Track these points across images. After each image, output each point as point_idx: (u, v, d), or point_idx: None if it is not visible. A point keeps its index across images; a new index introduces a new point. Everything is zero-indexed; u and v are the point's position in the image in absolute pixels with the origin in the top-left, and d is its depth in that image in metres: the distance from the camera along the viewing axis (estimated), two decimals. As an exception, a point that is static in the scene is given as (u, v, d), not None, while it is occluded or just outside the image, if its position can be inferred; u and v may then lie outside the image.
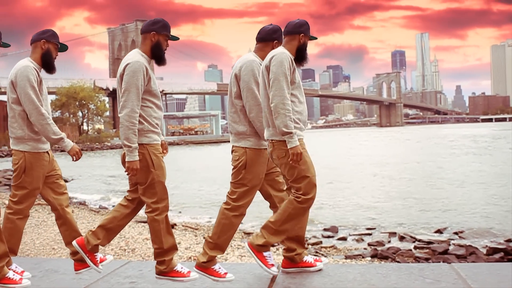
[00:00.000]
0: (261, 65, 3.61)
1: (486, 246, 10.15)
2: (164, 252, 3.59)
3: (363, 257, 9.32)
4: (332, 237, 11.75)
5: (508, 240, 10.97)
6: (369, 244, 10.62)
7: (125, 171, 3.48)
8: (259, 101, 3.56)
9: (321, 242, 10.91)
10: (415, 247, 10.32)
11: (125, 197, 3.76)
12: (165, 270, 3.60)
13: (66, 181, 24.76)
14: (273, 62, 3.45)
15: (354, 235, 11.76)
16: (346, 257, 9.26)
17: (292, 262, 3.78)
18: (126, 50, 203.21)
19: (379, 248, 9.87)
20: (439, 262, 9.04)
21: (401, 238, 11.27)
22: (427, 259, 9.29)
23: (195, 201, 18.34)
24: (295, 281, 3.64)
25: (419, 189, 19.98)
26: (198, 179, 25.91)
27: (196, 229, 11.96)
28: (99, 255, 3.72)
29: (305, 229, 3.78)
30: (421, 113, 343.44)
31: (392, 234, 11.71)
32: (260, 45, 3.72)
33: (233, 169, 3.66)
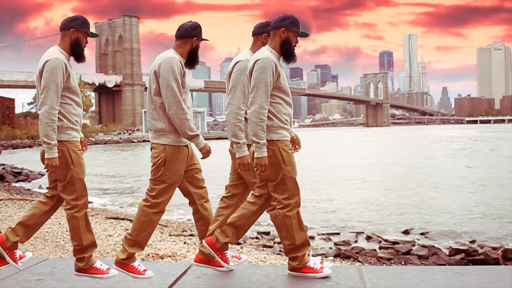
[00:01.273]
0: (181, 62, 3.62)
1: (450, 247, 10.27)
2: (83, 249, 3.61)
3: (326, 257, 9.38)
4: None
5: (472, 241, 11.14)
6: (335, 244, 10.70)
7: (44, 168, 3.50)
8: (178, 98, 3.55)
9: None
10: (380, 247, 10.41)
11: (44, 194, 3.78)
12: (84, 267, 3.62)
13: (43, 175, 24.55)
14: (255, 67, 3.49)
15: (322, 234, 11.83)
16: (335, 255, 9.35)
17: (205, 258, 3.75)
18: (113, 45, 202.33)
19: (343, 248, 9.95)
20: (372, 262, 9.16)
21: (368, 238, 11.37)
22: (389, 259, 9.38)
23: (173, 198, 18.29)
24: (200, 281, 3.71)
25: (394, 190, 20.13)
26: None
27: (165, 226, 11.95)
28: (18, 252, 3.72)
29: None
30: (408, 114, 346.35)
31: (360, 233, 11.81)
32: (179, 42, 3.69)
33: (152, 166, 3.66)
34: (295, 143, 3.78)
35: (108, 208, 15.82)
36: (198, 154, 3.83)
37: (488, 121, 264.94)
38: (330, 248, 10.30)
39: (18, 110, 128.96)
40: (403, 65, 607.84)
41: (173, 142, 3.62)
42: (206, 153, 3.70)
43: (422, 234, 11.98)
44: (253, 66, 3.54)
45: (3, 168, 27.69)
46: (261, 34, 3.71)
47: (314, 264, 3.67)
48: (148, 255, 7.73)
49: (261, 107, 3.44)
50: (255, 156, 3.47)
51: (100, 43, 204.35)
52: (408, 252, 9.78)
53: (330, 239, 11.37)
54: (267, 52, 3.56)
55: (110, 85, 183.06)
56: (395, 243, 10.71)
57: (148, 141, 3.79)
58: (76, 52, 3.62)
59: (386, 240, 11.03)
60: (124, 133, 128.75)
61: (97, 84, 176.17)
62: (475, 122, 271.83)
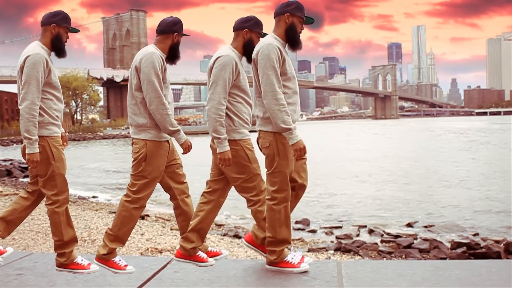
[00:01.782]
0: (161, 57, 3.63)
1: (452, 240, 10.22)
2: (64, 245, 3.63)
3: (326, 250, 9.38)
4: (303, 229, 11.79)
5: (475, 235, 11.09)
6: (336, 237, 10.68)
7: (26, 163, 3.52)
8: (159, 93, 3.56)
9: (290, 235, 10.95)
10: (382, 241, 10.39)
11: (25, 189, 3.81)
12: (65, 262, 3.65)
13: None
14: (260, 56, 3.49)
15: (324, 228, 11.82)
16: (309, 250, 9.31)
17: (186, 253, 3.75)
18: (121, 40, 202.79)
19: (344, 242, 9.93)
20: (359, 257, 9.13)
21: (370, 232, 11.35)
22: (390, 253, 9.36)
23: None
24: (177, 276, 3.75)
25: (399, 183, 20.06)
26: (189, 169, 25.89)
27: (168, 220, 11.99)
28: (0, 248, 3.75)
29: (210, 224, 3.81)
30: (416, 106, 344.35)
31: (362, 227, 11.79)
32: (160, 37, 3.70)
33: (133, 161, 3.67)
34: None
35: (113, 202, 15.89)
36: (179, 149, 3.84)
37: (498, 113, 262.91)
38: (332, 241, 10.29)
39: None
40: (412, 56, 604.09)
41: (154, 137, 3.62)
42: (187, 148, 3.70)
43: (425, 227, 11.94)
44: (213, 63, 3.59)
45: (11, 164, 27.93)
46: (241, 29, 3.67)
47: (292, 259, 3.67)
48: (148, 249, 7.77)
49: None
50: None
51: (108, 38, 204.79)
52: (409, 246, 9.75)
53: (332, 233, 11.36)
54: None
55: (118, 79, 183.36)
56: (397, 236, 10.67)
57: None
58: (57, 48, 3.63)
59: (388, 234, 11.00)
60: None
61: (105, 79, 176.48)
62: (484, 114, 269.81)
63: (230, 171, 3.67)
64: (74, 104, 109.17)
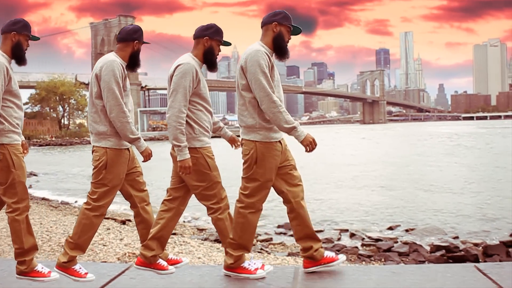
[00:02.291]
0: (122, 65, 3.65)
1: (432, 243, 10.28)
2: (24, 252, 3.61)
3: (306, 254, 9.38)
4: (285, 233, 11.79)
5: (455, 238, 11.16)
6: (318, 241, 10.68)
7: None
8: (120, 101, 3.57)
9: (271, 239, 10.97)
10: (362, 245, 10.43)
11: None
12: (25, 270, 3.63)
13: (35, 175, 24.51)
14: (249, 62, 3.49)
15: (306, 232, 11.81)
16: (289, 254, 9.32)
17: (146, 261, 3.73)
18: (109, 45, 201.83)
19: (324, 246, 9.92)
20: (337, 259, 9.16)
21: (352, 235, 11.39)
22: (369, 257, 9.40)
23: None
24: (133, 282, 3.67)
25: (383, 188, 20.16)
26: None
27: (150, 225, 11.92)
28: None
29: (170, 232, 3.80)
30: (404, 111, 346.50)
31: (344, 231, 11.82)
32: (121, 45, 3.73)
33: (93, 169, 3.67)
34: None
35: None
36: (139, 157, 3.84)
37: (485, 117, 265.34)
38: (312, 246, 10.30)
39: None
40: (399, 62, 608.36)
41: (114, 145, 3.64)
42: (147, 156, 3.71)
43: (406, 231, 12.00)
44: (174, 71, 3.60)
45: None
46: (202, 37, 3.68)
47: (249, 265, 3.67)
48: (125, 254, 7.73)
49: (179, 111, 3.52)
50: (177, 159, 3.55)
51: (96, 43, 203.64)
52: (389, 249, 9.81)
53: (313, 237, 11.35)
54: (188, 58, 3.63)
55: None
56: (378, 240, 10.72)
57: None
58: (17, 55, 3.63)
59: (369, 237, 11.05)
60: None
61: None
62: (471, 118, 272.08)
63: (190, 179, 3.66)
64: (61, 109, 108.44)
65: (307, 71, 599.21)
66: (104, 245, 8.38)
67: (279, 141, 3.65)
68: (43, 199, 17.64)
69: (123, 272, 4.00)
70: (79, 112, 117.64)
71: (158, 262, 3.72)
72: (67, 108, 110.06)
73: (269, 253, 9.21)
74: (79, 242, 3.65)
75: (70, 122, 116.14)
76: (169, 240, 9.65)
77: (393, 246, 10.01)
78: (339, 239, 11.05)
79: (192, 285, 3.66)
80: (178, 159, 3.57)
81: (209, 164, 3.67)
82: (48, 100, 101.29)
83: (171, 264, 3.84)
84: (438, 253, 9.40)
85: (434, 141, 58.31)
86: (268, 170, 3.57)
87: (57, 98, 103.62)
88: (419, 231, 11.81)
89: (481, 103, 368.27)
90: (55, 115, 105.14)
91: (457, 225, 12.83)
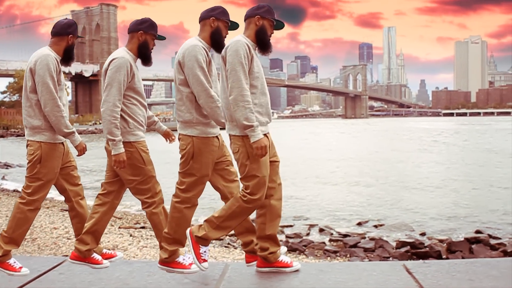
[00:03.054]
0: (56, 59, 3.67)
1: (398, 239, 10.42)
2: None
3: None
4: (254, 228, 11.82)
5: (422, 234, 11.32)
6: (286, 236, 10.77)
7: None
8: (54, 95, 3.59)
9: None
10: (330, 240, 10.52)
11: None
12: None
13: (10, 166, 24.22)
14: (228, 52, 3.42)
15: (276, 227, 11.87)
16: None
17: (81, 255, 3.76)
18: (90, 34, 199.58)
19: (291, 240, 10.03)
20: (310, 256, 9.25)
21: (321, 231, 11.48)
22: (335, 252, 9.49)
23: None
24: (60, 277, 3.69)
25: (357, 184, 20.34)
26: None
27: (120, 218, 11.88)
28: None
29: (105, 226, 3.81)
30: (386, 106, 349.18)
31: (313, 226, 11.91)
32: (55, 39, 3.76)
33: (28, 163, 3.70)
34: (169, 135, 3.99)
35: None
36: (74, 152, 3.84)
37: (464, 114, 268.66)
38: (281, 240, 10.34)
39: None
40: (382, 57, 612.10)
41: (48, 139, 3.66)
42: (81, 150, 3.77)
43: (375, 226, 12.13)
44: (108, 65, 3.61)
45: None
46: (136, 31, 3.69)
47: (183, 260, 3.67)
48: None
49: (114, 105, 3.54)
50: (112, 153, 3.56)
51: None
52: (355, 245, 9.91)
53: (283, 232, 11.42)
54: (123, 53, 3.65)
55: (87, 74, 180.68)
56: (345, 235, 10.82)
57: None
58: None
59: (338, 233, 11.15)
60: (100, 123, 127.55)
61: (73, 74, 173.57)
62: (451, 114, 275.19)
63: (124, 173, 3.67)
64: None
65: (290, 64, 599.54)
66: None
67: (216, 137, 3.63)
68: (15, 191, 17.44)
69: (54, 267, 4.01)
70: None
71: (92, 256, 3.75)
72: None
73: (235, 248, 9.24)
74: (14, 236, 3.66)
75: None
76: (136, 234, 9.64)
77: (359, 242, 10.11)
78: (307, 234, 11.12)
79: (119, 281, 3.68)
80: (112, 153, 3.57)
81: (144, 158, 3.68)
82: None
83: (106, 258, 3.89)
84: (403, 249, 9.53)
85: (413, 136, 58.93)
86: (205, 165, 3.55)
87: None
88: (388, 227, 11.95)
89: (461, 100, 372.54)
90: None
91: (426, 222, 13.00)
